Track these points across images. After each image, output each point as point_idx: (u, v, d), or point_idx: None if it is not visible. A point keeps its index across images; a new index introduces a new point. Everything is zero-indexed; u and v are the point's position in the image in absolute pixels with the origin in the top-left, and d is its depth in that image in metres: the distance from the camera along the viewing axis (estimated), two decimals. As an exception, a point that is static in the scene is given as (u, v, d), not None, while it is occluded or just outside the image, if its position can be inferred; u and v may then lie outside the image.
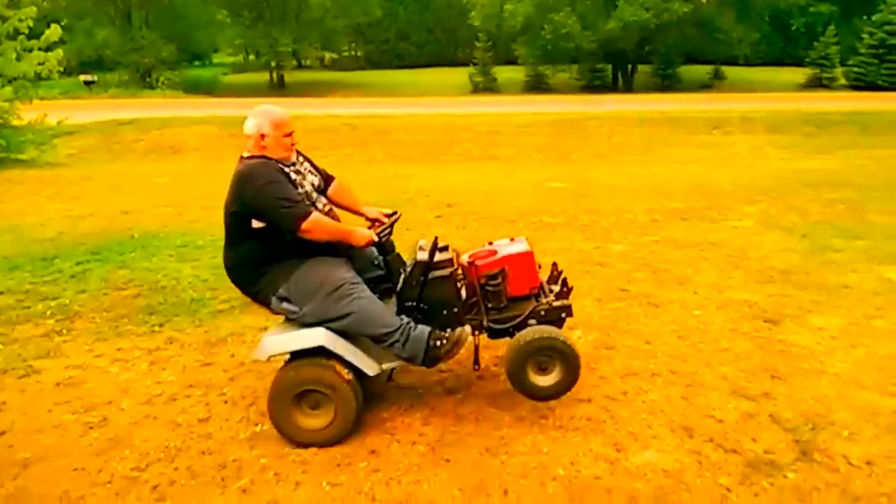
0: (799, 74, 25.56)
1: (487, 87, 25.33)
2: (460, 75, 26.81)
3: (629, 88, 24.13)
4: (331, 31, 29.05)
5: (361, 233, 2.82)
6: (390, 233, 3.01)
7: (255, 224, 2.67)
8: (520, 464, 2.57)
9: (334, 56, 34.70)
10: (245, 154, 2.80)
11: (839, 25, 26.75)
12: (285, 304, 2.74)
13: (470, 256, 3.04)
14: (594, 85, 24.94)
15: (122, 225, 6.77)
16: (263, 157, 2.74)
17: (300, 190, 2.76)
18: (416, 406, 3.02)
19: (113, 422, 3.01)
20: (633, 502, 2.34)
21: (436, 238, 2.88)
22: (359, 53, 38.70)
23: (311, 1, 26.51)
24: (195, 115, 16.31)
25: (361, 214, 3.19)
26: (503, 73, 25.88)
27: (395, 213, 3.16)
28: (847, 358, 3.47)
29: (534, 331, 2.80)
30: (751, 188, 8.02)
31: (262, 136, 2.73)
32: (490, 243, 3.17)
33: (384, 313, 2.73)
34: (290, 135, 2.81)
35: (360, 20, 30.73)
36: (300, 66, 33.08)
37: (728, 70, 26.78)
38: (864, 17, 26.33)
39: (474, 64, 25.82)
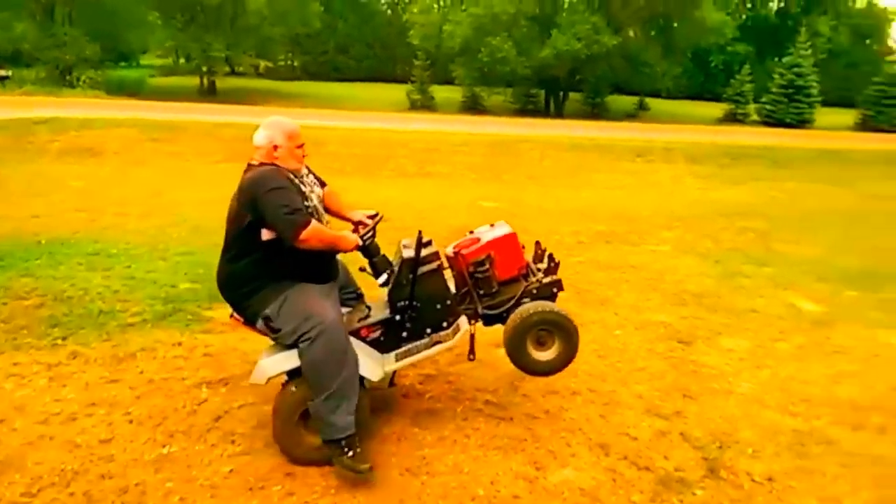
0: (716, 109, 27.04)
1: (425, 105, 25.47)
2: (398, 92, 26.87)
3: (560, 114, 24.82)
4: (267, 38, 28.48)
5: (349, 238, 2.79)
6: (374, 235, 2.97)
7: (266, 236, 2.63)
8: (440, 484, 2.56)
9: (269, 64, 34.02)
10: (254, 162, 2.77)
11: (753, 65, 28.51)
12: (268, 325, 2.66)
13: (454, 247, 3.03)
14: (528, 109, 25.52)
15: (30, 230, 6.35)
16: (274, 164, 2.72)
17: (308, 203, 2.74)
18: (337, 425, 2.96)
19: (3, 442, 2.78)
20: (549, 521, 2.37)
21: (419, 233, 2.83)
22: (296, 63, 38.14)
23: (247, 7, 25.97)
24: (117, 116, 15.58)
25: (347, 219, 3.15)
26: (441, 93, 26.13)
27: (376, 214, 3.12)
28: (752, 378, 3.66)
29: (531, 306, 2.80)
30: (669, 215, 8.39)
31: (275, 147, 2.73)
32: (471, 232, 3.16)
33: (332, 373, 2.55)
34: (301, 146, 2.83)
35: (299, 30, 30.33)
36: (233, 73, 32.27)
37: (652, 102, 28.03)
38: (776, 59, 28.25)
39: (412, 81, 25.93)
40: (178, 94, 23.51)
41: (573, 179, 13.10)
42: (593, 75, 25.00)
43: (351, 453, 2.54)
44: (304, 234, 2.56)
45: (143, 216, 7.15)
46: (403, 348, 2.87)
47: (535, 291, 2.95)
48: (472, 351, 3.01)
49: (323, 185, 3.14)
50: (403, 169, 13.54)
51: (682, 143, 16.59)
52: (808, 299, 5.22)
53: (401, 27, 31.03)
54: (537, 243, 3.31)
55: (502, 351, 3.78)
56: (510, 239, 3.00)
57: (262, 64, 31.66)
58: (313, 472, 2.61)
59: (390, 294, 2.87)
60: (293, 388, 2.64)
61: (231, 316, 2.87)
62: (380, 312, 2.93)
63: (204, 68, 26.67)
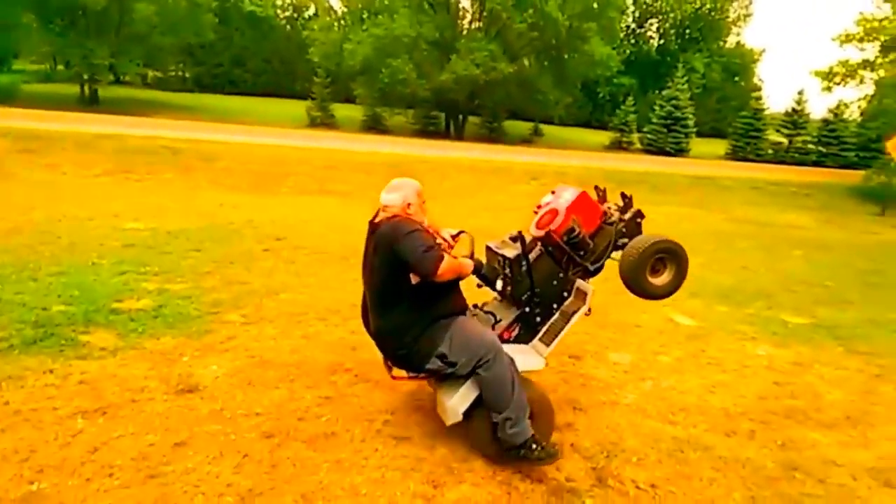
0: (604, 137, 28.74)
1: (325, 122, 25.22)
2: (297, 108, 26.44)
3: (460, 137, 25.41)
4: (156, 48, 27.14)
5: (467, 262, 3.02)
6: (472, 252, 3.16)
7: (415, 279, 2.81)
8: (336, 508, 2.50)
9: (159, 74, 32.49)
10: (383, 218, 2.95)
11: (637, 97, 30.67)
12: (444, 361, 2.84)
13: (538, 226, 3.14)
14: (428, 130, 25.93)
15: None
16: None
17: (439, 240, 3.02)
18: (227, 453, 2.83)
19: None
20: (446, 539, 2.38)
21: (518, 233, 3.08)
22: (187, 74, 36.59)
23: (135, 15, 24.65)
24: (-18, 124, 14.28)
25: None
26: (341, 111, 25.99)
27: (462, 231, 3.30)
28: (636, 390, 3.88)
29: (646, 237, 2.96)
30: (563, 236, 8.76)
31: (409, 205, 2.95)
32: (539, 207, 3.26)
33: (509, 388, 2.79)
34: (425, 202, 3.06)
35: (191, 40, 29.16)
36: (118, 82, 30.48)
37: (546, 128, 29.38)
38: (657, 92, 30.47)
39: (312, 98, 25.63)
40: (55, 103, 21.86)
41: (472, 200, 13.41)
42: (491, 100, 25.84)
43: (540, 448, 2.81)
44: (441, 269, 2.72)
45: (12, 233, 6.56)
46: (543, 331, 3.09)
47: (624, 230, 3.17)
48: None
49: None
50: (303, 187, 13.31)
51: (574, 168, 17.46)
52: (685, 314, 5.62)
53: (300, 43, 30.66)
54: (596, 188, 3.50)
55: (402, 372, 3.82)
56: (583, 198, 3.15)
57: (151, 74, 30.13)
58: (200, 503, 2.47)
59: (512, 293, 3.11)
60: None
61: (393, 377, 3.10)
62: (507, 312, 3.15)
63: (85, 76, 24.96)
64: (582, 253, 3.12)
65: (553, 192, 3.33)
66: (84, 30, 24.48)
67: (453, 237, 3.24)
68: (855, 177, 20.35)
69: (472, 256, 3.10)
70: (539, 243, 3.19)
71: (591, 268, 3.16)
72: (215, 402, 3.29)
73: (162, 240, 6.73)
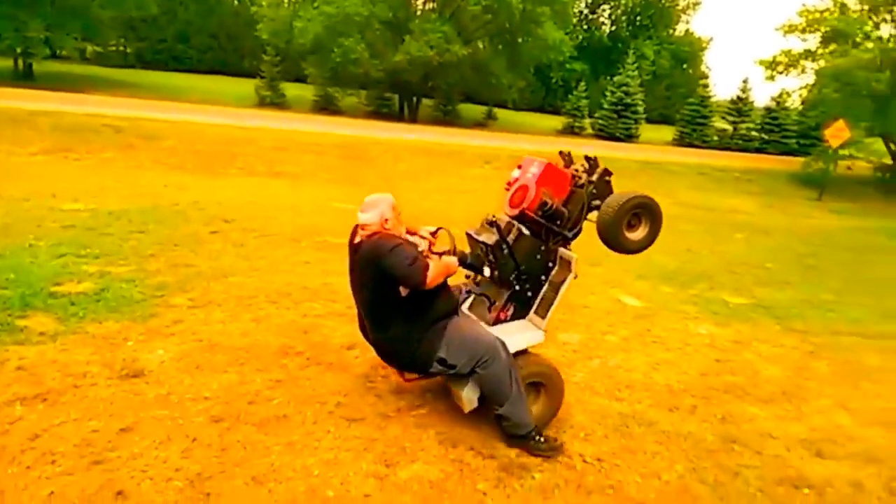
0: (557, 122, 29.01)
1: (275, 101, 24.59)
2: (246, 86, 25.71)
3: (414, 119, 25.21)
4: (95, 21, 25.84)
5: (451, 261, 3.06)
6: (454, 247, 3.20)
7: (405, 291, 2.87)
8: (288, 490, 2.50)
9: (98, 49, 31.02)
10: (363, 236, 2.99)
11: (589, 83, 31.00)
12: (444, 365, 2.93)
13: (511, 206, 3.20)
14: (381, 112, 25.60)
15: None
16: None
17: (420, 248, 3.05)
18: (174, 438, 2.78)
19: None
20: (398, 517, 2.41)
21: (493, 217, 3.24)
22: (128, 50, 34.99)
23: (72, -14, 23.40)
24: None
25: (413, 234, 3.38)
26: (292, 90, 25.40)
27: (439, 228, 3.36)
28: (584, 368, 3.99)
29: (620, 195, 2.98)
30: (515, 218, 8.85)
31: (386, 221, 2.97)
32: (509, 184, 3.32)
33: (509, 381, 2.89)
34: (400, 212, 3.08)
35: (133, 14, 27.90)
36: (55, 56, 28.99)
37: (500, 112, 29.40)
38: (608, 78, 30.88)
39: (261, 77, 24.92)
40: (-16, 77, 20.68)
41: (425, 183, 13.37)
42: (445, 83, 25.69)
43: (542, 439, 2.93)
44: (429, 277, 2.80)
45: (-62, 213, 6.22)
46: (536, 304, 3.20)
47: (595, 191, 3.21)
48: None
49: None
50: (251, 168, 13.00)
51: (527, 152, 17.53)
52: (632, 295, 5.78)
53: (248, 19, 29.73)
54: (561, 153, 3.55)
55: (354, 353, 3.82)
56: (549, 169, 3.20)
57: (90, 48, 28.77)
58: (147, 487, 2.43)
59: (500, 276, 3.17)
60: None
61: (406, 380, 3.21)
62: (499, 293, 3.24)
63: (18, 49, 23.62)
64: (559, 222, 3.20)
65: (520, 167, 3.37)
66: (16, 1, 23.12)
67: (432, 234, 3.30)
68: (795, 163, 21.16)
69: (454, 250, 3.14)
70: (516, 222, 3.24)
71: (570, 234, 3.24)
72: (162, 387, 3.22)
73: (103, 221, 6.48)
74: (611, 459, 2.94)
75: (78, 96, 18.22)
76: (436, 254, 3.12)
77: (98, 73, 26.74)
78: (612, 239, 3.01)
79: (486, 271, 3.22)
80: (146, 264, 5.22)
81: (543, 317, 3.16)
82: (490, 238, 3.17)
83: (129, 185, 8.92)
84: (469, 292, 3.41)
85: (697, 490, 2.77)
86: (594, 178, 3.27)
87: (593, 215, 3.13)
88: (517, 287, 3.18)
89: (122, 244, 5.72)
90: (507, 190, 3.34)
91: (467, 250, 3.34)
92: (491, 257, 3.20)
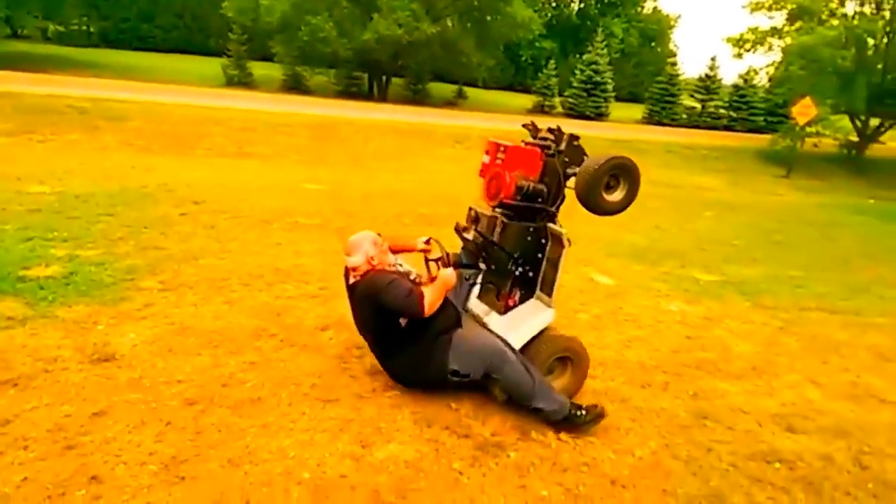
0: (527, 100, 28.98)
1: (243, 81, 24.08)
2: (212, 66, 25.12)
3: (384, 98, 24.94)
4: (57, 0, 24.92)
5: (447, 275, 3.09)
6: (447, 254, 3.25)
7: (404, 321, 2.99)
8: (264, 472, 2.49)
9: (61, 29, 29.93)
10: (356, 277, 3.10)
11: (558, 61, 30.96)
12: (459, 376, 3.02)
13: (488, 199, 3.23)
14: (351, 91, 25.28)
15: None
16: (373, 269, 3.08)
17: (412, 276, 3.19)
18: (148, 422, 2.75)
19: None
20: (375, 496, 2.42)
21: (470, 209, 3.39)
22: (92, 29, 33.85)
23: (30, -39, 22.47)
24: None
25: (408, 250, 3.50)
26: (259, 69, 24.89)
27: (429, 238, 3.44)
28: (559, 347, 4.02)
29: (596, 158, 2.98)
30: (488, 198, 8.86)
31: (372, 258, 3.07)
32: (481, 173, 3.33)
33: (527, 378, 2.97)
34: (384, 241, 3.16)
35: (94, -8, 27.01)
36: (16, 36, 27.93)
37: (470, 91, 29.27)
38: (577, 56, 30.89)
39: (228, 56, 24.36)
40: (-64, 55, 19.84)
41: (396, 163, 13.29)
42: (415, 62, 25.44)
43: (583, 412, 3.00)
44: (427, 305, 2.88)
45: None
46: (539, 283, 3.26)
47: (567, 159, 3.22)
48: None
49: None
50: (220, 149, 12.76)
51: (497, 132, 17.54)
52: (604, 273, 5.85)
53: (214, -4, 28.94)
54: (525, 125, 3.58)
55: (328, 334, 3.81)
56: (514, 151, 3.21)
57: (52, 27, 27.80)
58: (122, 472, 2.40)
59: (497, 269, 3.27)
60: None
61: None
62: (502, 280, 3.30)
63: (-22, 29, 22.70)
64: (540, 200, 3.22)
65: (487, 153, 3.37)
66: (-28, -24, 22.14)
67: (425, 242, 3.43)
68: (762, 141, 21.51)
69: (447, 258, 3.20)
70: (498, 213, 3.28)
71: (553, 209, 3.26)
72: (134, 371, 3.18)
73: (70, 204, 6.31)
74: (585, 437, 2.99)
75: (40, 76, 17.62)
76: (431, 261, 3.28)
77: (61, 53, 25.85)
78: (592, 202, 3.02)
79: (482, 265, 3.31)
80: (115, 247, 5.11)
81: (550, 294, 3.22)
82: (472, 235, 3.30)
83: (96, 168, 8.69)
84: (472, 283, 3.50)
85: (670, 465, 2.84)
86: (563, 147, 3.27)
87: (571, 181, 3.14)
88: (517, 272, 3.25)
89: (90, 227, 5.59)
90: (481, 177, 3.34)
91: (458, 248, 3.43)
92: (484, 255, 3.29)
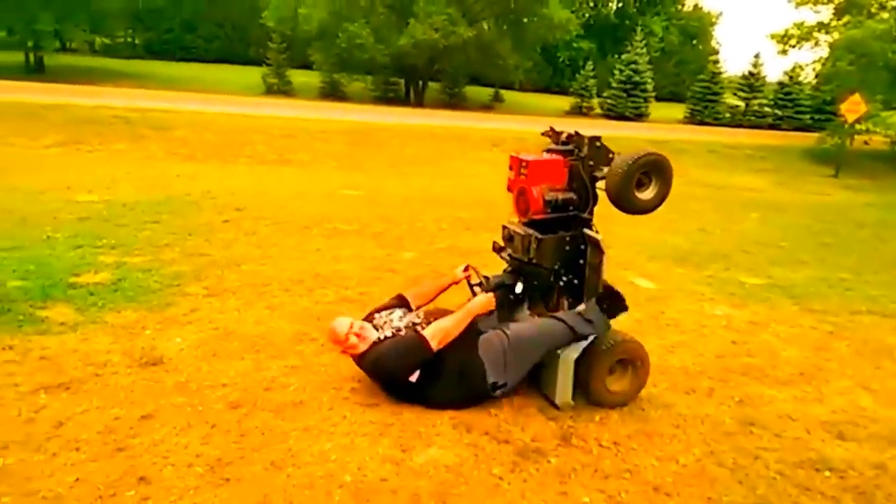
0: (564, 102, 28.77)
1: (282, 89, 24.59)
2: (253, 74, 25.69)
3: (420, 103, 25.10)
4: (102, 12, 25.84)
5: (482, 302, 3.15)
6: (485, 278, 3.38)
7: (414, 376, 2.99)
8: (306, 475, 2.52)
9: (107, 41, 31.08)
10: (355, 357, 3.15)
11: (596, 61, 30.66)
12: (500, 388, 3.07)
13: (519, 216, 3.26)
14: (388, 97, 25.54)
15: None
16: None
17: (388, 333, 3.11)
18: (194, 424, 2.82)
19: None
20: (416, 500, 2.42)
21: (504, 228, 3.43)
22: (136, 41, 35.07)
23: (78, -23, 23.35)
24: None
25: (452, 284, 3.61)
26: (298, 77, 25.34)
27: (468, 266, 3.57)
28: (599, 352, 3.96)
29: (626, 156, 2.93)
30: (526, 201, 8.81)
31: (348, 340, 3.08)
32: (509, 188, 3.31)
33: (553, 325, 3.08)
34: (345, 340, 3.08)
35: (140, 5, 27.93)
36: (64, 49, 29.06)
37: (506, 94, 29.22)
38: (616, 56, 30.51)
39: (268, 64, 24.91)
40: (-3, 71, 20.78)
41: (433, 168, 13.34)
42: (451, 65, 25.53)
43: (608, 302, 3.19)
44: (430, 341, 2.93)
45: (-45, 207, 6.29)
46: (586, 291, 3.25)
47: (592, 163, 3.16)
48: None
49: (402, 297, 3.52)
50: (261, 156, 13.03)
51: (533, 134, 17.43)
52: (645, 277, 5.75)
53: (253, 7, 29.61)
54: (544, 133, 3.51)
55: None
56: (536, 165, 3.16)
57: (98, 40, 28.82)
58: (169, 473, 2.46)
59: (539, 286, 3.31)
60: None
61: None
62: (549, 294, 3.36)
63: (29, 43, 23.68)
64: (571, 208, 3.19)
65: (510, 168, 3.34)
66: (26, -5, 23.09)
67: (464, 270, 3.55)
68: (809, 139, 20.87)
69: (487, 281, 3.31)
70: (530, 230, 3.26)
71: (586, 214, 3.22)
72: (180, 375, 3.26)
73: (117, 212, 6.53)
74: (627, 443, 2.94)
75: (88, 88, 18.30)
76: (475, 285, 3.42)
77: (107, 65, 26.81)
78: (624, 201, 2.97)
79: (519, 287, 3.29)
80: (161, 254, 5.26)
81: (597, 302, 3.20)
82: (515, 254, 3.32)
83: (142, 176, 8.96)
84: (520, 299, 3.46)
85: (715, 473, 2.77)
86: (585, 151, 3.21)
87: (601, 184, 3.10)
88: (561, 282, 3.25)
89: (137, 234, 5.77)
90: (509, 192, 3.33)
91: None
92: (522, 279, 3.30)
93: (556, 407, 3.16)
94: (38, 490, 2.32)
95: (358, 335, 3.06)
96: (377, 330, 3.14)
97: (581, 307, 3.22)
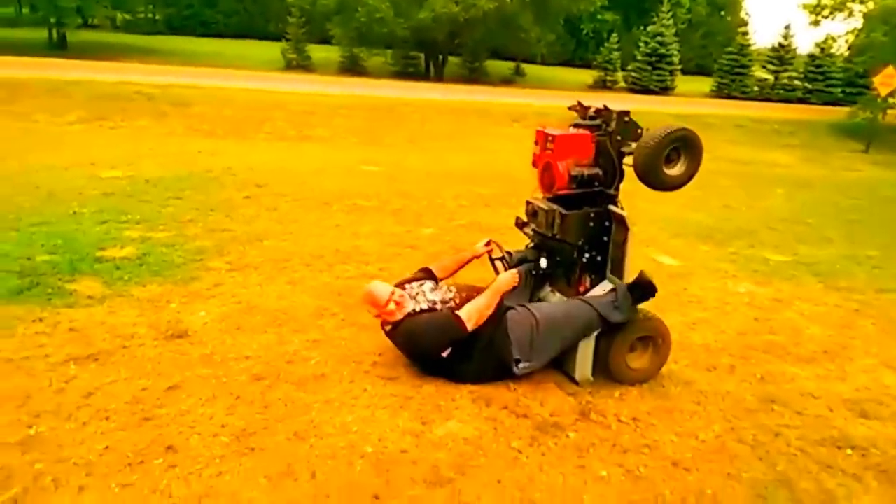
0: (587, 76, 28.27)
1: (301, 64, 24.50)
2: (272, 50, 25.62)
3: (440, 78, 24.87)
4: (124, -12, 25.95)
5: (507, 279, 3.18)
6: (508, 253, 3.42)
7: (445, 352, 3.02)
8: (328, 445, 2.57)
9: (128, 17, 31.18)
10: (388, 326, 3.17)
11: (621, 34, 30.01)
12: (524, 365, 3.06)
13: (544, 191, 3.24)
14: (408, 71, 25.33)
15: None
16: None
17: (424, 305, 3.14)
18: (219, 396, 2.88)
19: None
20: (435, 471, 2.46)
21: (527, 203, 3.38)
22: (157, 16, 35.11)
23: (99, -47, 23.41)
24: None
25: (473, 258, 3.65)
26: (318, 52, 25.22)
27: (489, 241, 3.60)
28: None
29: (654, 131, 2.90)
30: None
31: (396, 310, 3.10)
32: (533, 163, 3.29)
33: (582, 311, 3.09)
34: (384, 305, 3.08)
35: (160, -20, 27.95)
36: (87, 25, 29.21)
37: (528, 68, 28.77)
38: (641, 28, 29.84)
39: (287, 39, 24.79)
40: (21, 49, 21.00)
41: (453, 143, 13.26)
42: (472, 39, 25.17)
43: (638, 289, 3.15)
44: (465, 322, 2.96)
45: (-16, 183, 6.41)
46: (609, 266, 3.25)
47: (620, 138, 3.11)
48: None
49: (428, 270, 3.55)
50: (281, 132, 13.06)
51: (556, 109, 17.22)
52: (668, 254, 5.70)
53: (273, -19, 29.43)
54: (570, 107, 3.46)
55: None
56: (563, 139, 3.12)
57: (120, 16, 28.90)
58: (196, 442, 2.53)
59: (563, 262, 3.29)
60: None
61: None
62: (572, 270, 3.32)
63: (52, 19, 23.85)
64: (596, 184, 3.15)
65: (536, 143, 3.30)
66: (48, -29, 23.21)
67: (486, 245, 3.57)
68: (839, 113, 20.30)
69: (509, 256, 3.35)
70: (555, 205, 3.22)
71: (612, 190, 3.18)
72: (205, 347, 3.33)
73: (141, 188, 6.62)
74: (646, 419, 2.94)
75: (110, 64, 18.42)
76: (496, 260, 3.47)
77: (128, 41, 26.93)
78: (653, 177, 2.92)
79: (543, 262, 3.30)
80: (185, 229, 5.33)
81: (620, 277, 3.17)
82: (540, 231, 3.30)
83: (164, 153, 9.04)
84: (542, 275, 3.45)
85: (736, 449, 2.76)
86: (613, 125, 3.14)
87: (629, 159, 3.04)
88: (584, 258, 3.23)
89: (161, 210, 5.84)
90: (534, 167, 3.30)
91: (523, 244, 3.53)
92: (545, 251, 3.30)
93: (575, 383, 3.17)
94: (69, 457, 2.40)
95: (398, 303, 3.09)
96: (412, 300, 3.17)
97: (605, 288, 3.19)
